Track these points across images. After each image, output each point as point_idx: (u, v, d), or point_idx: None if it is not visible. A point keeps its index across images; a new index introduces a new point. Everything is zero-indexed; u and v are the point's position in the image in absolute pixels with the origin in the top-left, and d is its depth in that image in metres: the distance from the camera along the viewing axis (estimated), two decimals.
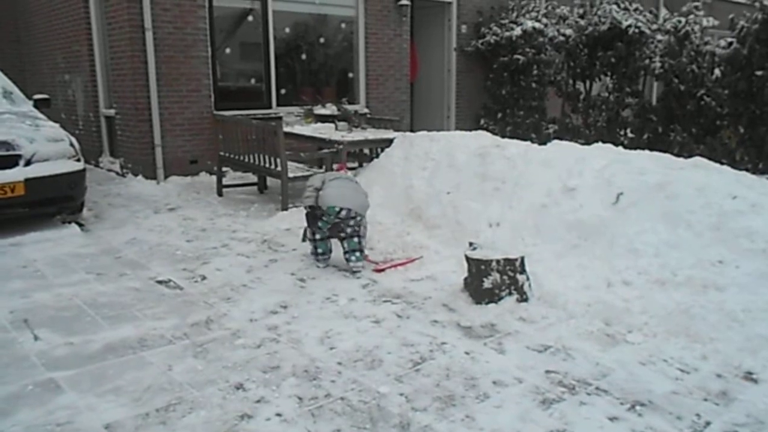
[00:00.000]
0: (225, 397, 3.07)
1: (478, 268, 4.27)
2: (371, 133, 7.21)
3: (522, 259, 4.31)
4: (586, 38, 9.53)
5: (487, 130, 10.78)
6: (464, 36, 11.31)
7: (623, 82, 9.63)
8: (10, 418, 2.88)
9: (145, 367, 3.38)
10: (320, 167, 7.32)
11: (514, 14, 11.07)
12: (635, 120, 9.61)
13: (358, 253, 4.99)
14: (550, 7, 11.25)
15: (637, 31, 9.10)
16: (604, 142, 6.25)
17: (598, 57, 9.49)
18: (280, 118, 8.81)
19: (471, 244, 4.52)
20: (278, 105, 9.17)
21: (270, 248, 5.65)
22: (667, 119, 9.20)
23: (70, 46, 9.42)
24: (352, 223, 4.94)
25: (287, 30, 9.29)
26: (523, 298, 4.28)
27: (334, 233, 5.03)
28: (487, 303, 4.24)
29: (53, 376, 3.28)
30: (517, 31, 10.37)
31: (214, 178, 8.43)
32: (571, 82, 10.42)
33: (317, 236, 5.09)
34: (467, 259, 4.35)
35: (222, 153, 7.43)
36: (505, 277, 4.25)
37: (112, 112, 8.68)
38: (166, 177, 8.13)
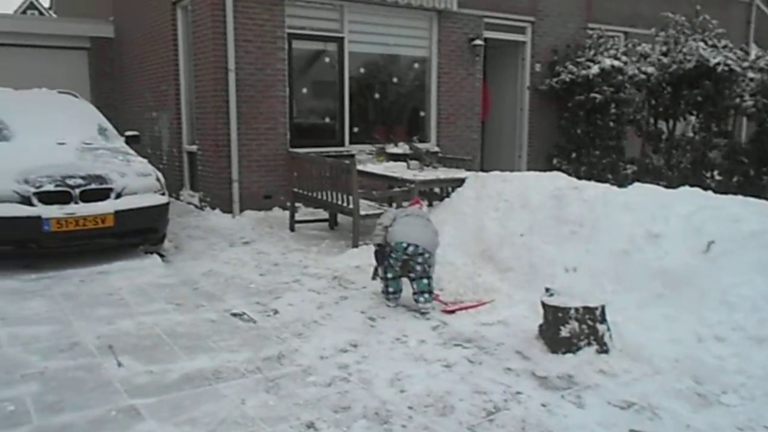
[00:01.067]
0: None
1: (555, 316, 4.14)
2: (442, 173, 7.22)
3: (602, 307, 4.16)
4: (669, 76, 9.27)
5: (560, 170, 10.61)
6: (538, 74, 11.25)
7: (710, 122, 9.28)
8: None
9: (219, 400, 3.44)
10: (391, 205, 7.37)
11: (591, 52, 10.93)
12: (724, 162, 9.21)
13: (427, 294, 4.96)
14: (630, 45, 11.05)
15: (726, 68, 8.79)
16: (689, 185, 5.94)
17: (683, 95, 9.20)
18: (353, 156, 8.98)
19: (547, 289, 4.40)
20: (351, 143, 9.36)
21: (340, 285, 5.70)
22: (760, 161, 8.77)
23: (158, 85, 9.99)
24: (420, 260, 4.92)
25: (361, 70, 9.52)
26: (604, 349, 4.10)
27: (404, 272, 5.03)
28: (563, 353, 4.09)
29: (134, 403, 3.39)
30: (594, 69, 10.22)
31: (286, 213, 8.64)
32: (652, 121, 10.13)
33: (388, 275, 5.10)
34: (543, 305, 4.24)
35: (295, 189, 7.62)
36: (584, 326, 4.09)
37: (194, 148, 9.09)
38: (241, 211, 8.40)
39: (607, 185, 5.94)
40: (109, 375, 3.73)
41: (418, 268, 4.93)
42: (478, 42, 10.16)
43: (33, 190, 5.67)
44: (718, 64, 8.84)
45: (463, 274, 5.76)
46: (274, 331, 4.51)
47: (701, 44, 9.16)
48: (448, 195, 7.09)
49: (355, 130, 9.46)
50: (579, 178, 10.54)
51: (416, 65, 10.08)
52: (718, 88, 9.01)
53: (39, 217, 5.59)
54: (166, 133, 9.82)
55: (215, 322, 4.73)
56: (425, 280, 4.95)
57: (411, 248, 4.87)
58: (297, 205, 8.42)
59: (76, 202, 5.80)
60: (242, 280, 5.83)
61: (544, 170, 7.28)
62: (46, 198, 5.70)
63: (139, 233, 6.26)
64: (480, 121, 10.73)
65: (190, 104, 9.38)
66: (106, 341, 4.24)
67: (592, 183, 5.95)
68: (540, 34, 11.15)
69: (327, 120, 9.29)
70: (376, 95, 9.74)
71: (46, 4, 20.53)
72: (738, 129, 10.37)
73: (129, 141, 7.47)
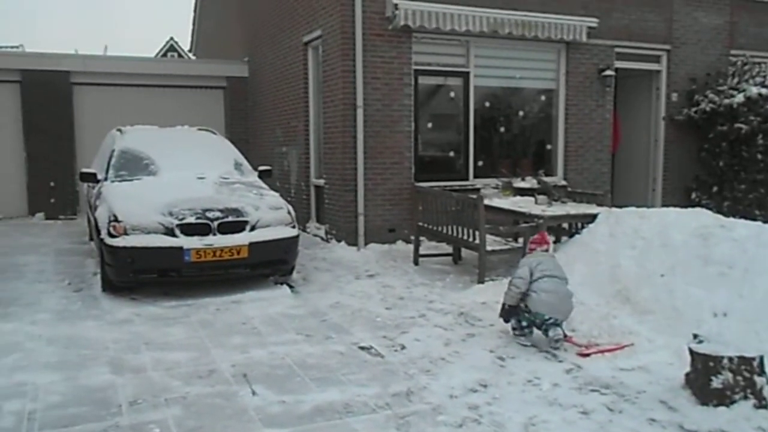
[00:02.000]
0: None
1: (705, 365, 3.78)
2: (572, 208, 6.94)
3: (761, 358, 3.74)
4: None
5: (699, 205, 9.87)
6: (674, 104, 10.61)
7: None
8: None
9: None
10: (516, 241, 7.17)
11: (735, 80, 10.17)
12: None
13: (559, 336, 4.76)
14: None
15: None
16: None
17: None
18: (478, 189, 8.87)
19: (695, 336, 4.03)
20: (475, 177, 9.28)
21: (467, 322, 5.58)
22: None
23: (289, 122, 10.52)
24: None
25: (486, 103, 9.46)
26: (763, 404, 3.68)
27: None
28: (715, 405, 3.72)
29: None
30: (739, 98, 9.48)
31: (410, 246, 8.67)
32: None
33: (523, 323, 4.99)
34: (691, 352, 3.88)
35: (420, 223, 7.63)
36: (739, 378, 3.70)
37: (321, 182, 9.42)
38: (366, 244, 8.53)
39: (759, 223, 5.41)
40: (245, 403, 3.85)
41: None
42: (609, 72, 9.78)
43: (176, 222, 6.09)
44: None
45: (597, 315, 5.43)
46: (401, 367, 4.47)
47: None
48: (577, 231, 6.79)
49: (480, 163, 9.38)
50: (722, 214, 9.75)
51: (543, 98, 9.87)
52: None
53: (181, 248, 5.99)
54: (295, 167, 10.27)
55: (344, 354, 4.77)
56: (558, 328, 4.79)
57: (551, 320, 4.81)
58: (420, 238, 8.47)
59: (214, 234, 6.16)
60: (369, 313, 5.87)
61: (682, 206, 6.79)
62: (188, 229, 6.10)
63: (271, 264, 6.53)
64: (610, 154, 10.25)
65: (318, 140, 9.77)
66: (240, 369, 4.41)
67: (742, 221, 5.44)
68: (676, 62, 10.55)
69: (451, 154, 9.29)
70: (501, 128, 9.62)
71: (186, 47, 22.43)
72: None
73: (262, 175, 7.87)
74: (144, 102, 12.37)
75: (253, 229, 6.35)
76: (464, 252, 7.93)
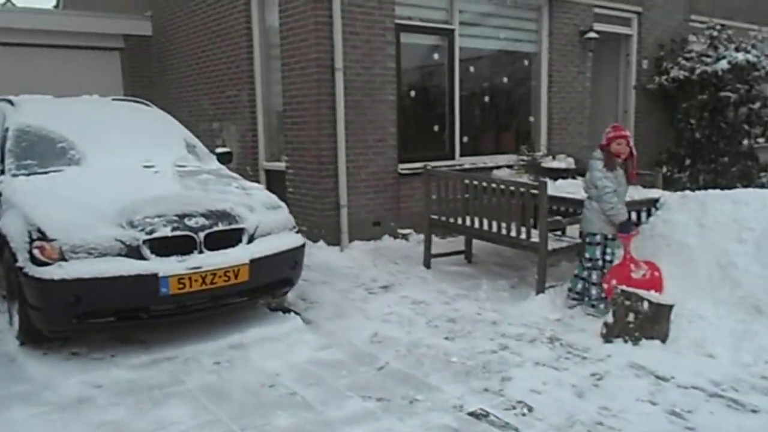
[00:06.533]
0: None
1: None
2: (635, 192, 5.73)
3: None
4: None
5: (671, 179, 9.28)
6: (645, 72, 9.88)
7: None
8: None
9: None
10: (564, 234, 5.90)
11: (704, 46, 9.63)
12: None
13: None
14: (761, 37, 9.74)
15: None
16: None
17: None
18: (467, 170, 7.48)
19: None
20: (461, 155, 7.87)
21: (571, 353, 4.19)
22: None
23: (222, 91, 8.37)
24: None
25: (471, 69, 8.04)
26: None
27: None
28: None
29: None
30: (723, 64, 8.88)
31: (398, 242, 7.17)
32: None
33: None
34: None
35: (435, 216, 6.08)
36: None
37: (280, 165, 7.49)
38: (349, 242, 6.83)
39: None
40: None
41: None
42: (592, 35, 8.76)
43: (143, 236, 4.05)
44: None
45: (728, 331, 4.29)
46: None
47: None
48: (639, 220, 5.62)
49: (465, 139, 7.97)
50: (700, 187, 9.30)
51: (526, 62, 8.63)
52: None
53: (155, 276, 3.98)
54: (236, 147, 8.18)
55: (458, 431, 3.20)
56: None
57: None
58: (405, 232, 7.01)
59: (201, 251, 4.20)
60: (429, 348, 4.29)
61: None
62: (162, 247, 4.08)
63: (274, 287, 4.69)
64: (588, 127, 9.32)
65: (269, 112, 7.79)
66: None
67: None
68: (647, 26, 9.80)
69: (435, 128, 7.77)
70: (486, 98, 8.26)
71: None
72: None
73: (221, 159, 5.88)
74: (14, 67, 9.38)
75: (252, 239, 4.44)
76: (476, 248, 6.55)
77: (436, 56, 7.65)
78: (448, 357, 4.15)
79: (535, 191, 5.07)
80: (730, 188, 9.07)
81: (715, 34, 9.72)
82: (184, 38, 9.28)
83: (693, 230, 5.15)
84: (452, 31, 7.63)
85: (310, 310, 5.08)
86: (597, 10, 9.06)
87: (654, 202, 5.58)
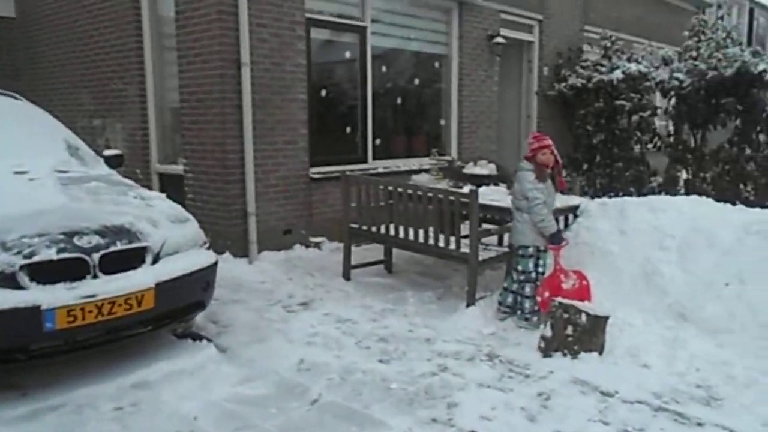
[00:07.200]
0: None
1: None
2: (559, 200, 5.65)
3: None
4: (706, 83, 8.44)
5: (571, 182, 9.53)
6: (545, 78, 10.07)
7: (750, 132, 8.56)
8: None
9: None
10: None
11: (598, 56, 9.98)
12: (760, 174, 8.53)
13: None
14: (651, 49, 10.20)
15: None
16: (725, 200, 5.62)
17: (722, 104, 8.40)
18: (380, 174, 7.17)
19: None
20: (374, 158, 7.54)
21: (513, 371, 3.97)
22: None
23: (105, 84, 7.47)
24: None
25: (383, 68, 7.73)
26: None
27: None
28: None
29: None
30: (618, 74, 9.20)
31: (311, 252, 6.73)
32: (687, 130, 9.26)
33: None
34: None
35: (355, 225, 5.69)
36: None
37: (177, 168, 6.77)
38: (258, 252, 6.28)
39: None
40: None
41: None
42: (500, 39, 8.75)
43: (20, 261, 3.32)
44: (765, 71, 8.15)
45: (659, 338, 4.27)
46: None
47: (740, 51, 8.43)
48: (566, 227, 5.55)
49: (377, 142, 7.64)
50: (597, 191, 9.61)
51: (436, 64, 8.45)
52: (760, 96, 8.33)
53: (37, 308, 3.27)
54: (122, 147, 7.31)
55: None
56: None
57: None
58: (318, 240, 6.60)
59: (96, 276, 3.53)
60: (364, 374, 3.90)
61: None
62: (45, 273, 3.37)
63: (184, 313, 4.09)
64: (496, 131, 9.32)
65: (162, 109, 7.03)
66: None
67: None
68: (548, 33, 9.98)
69: (348, 130, 7.37)
70: (398, 100, 7.98)
71: None
72: None
73: (110, 163, 5.15)
74: None
75: (157, 259, 3.82)
76: (396, 257, 6.24)
77: (348, 54, 7.26)
78: (386, 383, 3.78)
79: (465, 199, 4.84)
80: (624, 192, 9.53)
81: (609, 44, 10.08)
82: (56, 21, 8.19)
83: (615, 237, 5.16)
84: (364, 28, 7.28)
85: (224, 334, 4.52)
86: (503, 15, 9.09)
87: (574, 209, 5.57)
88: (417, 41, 8.08)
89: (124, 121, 7.31)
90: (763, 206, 5.56)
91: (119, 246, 3.65)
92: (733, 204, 5.39)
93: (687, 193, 8.97)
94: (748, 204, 6.10)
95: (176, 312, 3.99)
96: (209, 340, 4.28)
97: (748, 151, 8.72)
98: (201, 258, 4.13)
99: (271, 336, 4.48)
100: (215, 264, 4.27)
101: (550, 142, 4.77)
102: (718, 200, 5.52)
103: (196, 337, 4.33)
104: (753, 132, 8.63)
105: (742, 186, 8.82)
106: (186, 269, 3.92)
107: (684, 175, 9.32)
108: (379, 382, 3.79)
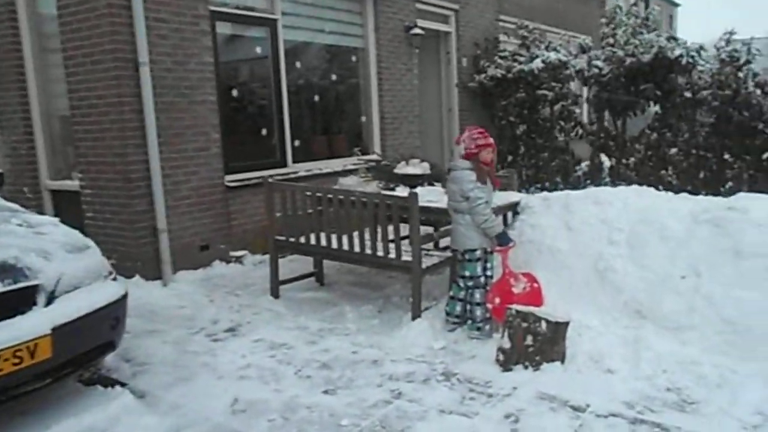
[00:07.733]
0: None
1: None
2: (497, 197, 5.34)
3: None
4: (625, 70, 8.48)
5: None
6: (465, 70, 9.85)
7: (669, 117, 8.67)
8: None
9: None
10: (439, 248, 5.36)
11: (515, 46, 9.88)
12: (682, 158, 8.67)
13: None
14: (567, 38, 10.18)
15: (691, 60, 8.22)
16: (648, 184, 5.73)
17: (641, 90, 8.47)
18: (302, 179, 6.65)
19: None
20: (294, 161, 7.00)
21: (474, 391, 3.61)
22: (723, 155, 8.40)
23: None
24: None
25: (298, 65, 7.18)
26: None
27: None
28: None
29: None
30: (538, 63, 9.11)
31: (233, 267, 6.16)
32: (608, 117, 9.30)
33: None
34: None
35: (281, 237, 5.15)
36: None
37: (72, 184, 5.95)
38: (173, 273, 5.62)
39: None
40: None
41: None
42: (417, 31, 8.42)
43: None
44: (681, 56, 8.28)
45: (619, 340, 4.05)
46: None
47: (656, 36, 8.53)
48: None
49: (297, 144, 7.10)
50: (524, 182, 9.51)
51: (354, 59, 8.00)
52: (678, 81, 8.45)
53: None
54: (5, 164, 6.39)
55: None
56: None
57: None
58: (240, 254, 6.03)
59: None
60: (309, 411, 3.42)
61: None
62: None
63: (89, 357, 3.43)
64: (419, 126, 9.00)
65: (49, 118, 6.18)
66: None
67: (756, 201, 4.57)
68: (463, 24, 9.76)
69: (264, 132, 6.79)
70: (316, 98, 7.47)
71: None
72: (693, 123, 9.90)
73: None
74: None
75: (52, 299, 3.16)
76: (327, 268, 5.76)
77: (259, 50, 6.68)
78: (336, 419, 3.32)
79: (405, 203, 4.43)
80: (551, 182, 9.47)
81: (527, 34, 10.01)
82: None
83: (562, 234, 4.92)
84: (275, 21, 6.71)
85: (141, 375, 3.88)
86: (419, 5, 8.77)
87: (515, 206, 5.30)
88: (332, 34, 7.60)
89: (4, 134, 6.37)
90: (691, 192, 5.59)
91: (1, 287, 2.97)
92: (657, 188, 5.31)
93: (612, 180, 9.07)
94: (671, 189, 6.13)
95: (80, 358, 3.34)
96: (123, 385, 3.66)
97: (668, 136, 8.84)
98: (107, 291, 3.49)
99: (197, 373, 3.90)
100: (124, 297, 3.64)
101: (492, 140, 4.45)
102: (641, 185, 5.48)
103: (108, 382, 3.69)
104: (673, 117, 8.75)
105: (664, 171, 8.96)
106: (89, 307, 3.29)
107: (607, 162, 9.38)
108: (327, 419, 3.32)
